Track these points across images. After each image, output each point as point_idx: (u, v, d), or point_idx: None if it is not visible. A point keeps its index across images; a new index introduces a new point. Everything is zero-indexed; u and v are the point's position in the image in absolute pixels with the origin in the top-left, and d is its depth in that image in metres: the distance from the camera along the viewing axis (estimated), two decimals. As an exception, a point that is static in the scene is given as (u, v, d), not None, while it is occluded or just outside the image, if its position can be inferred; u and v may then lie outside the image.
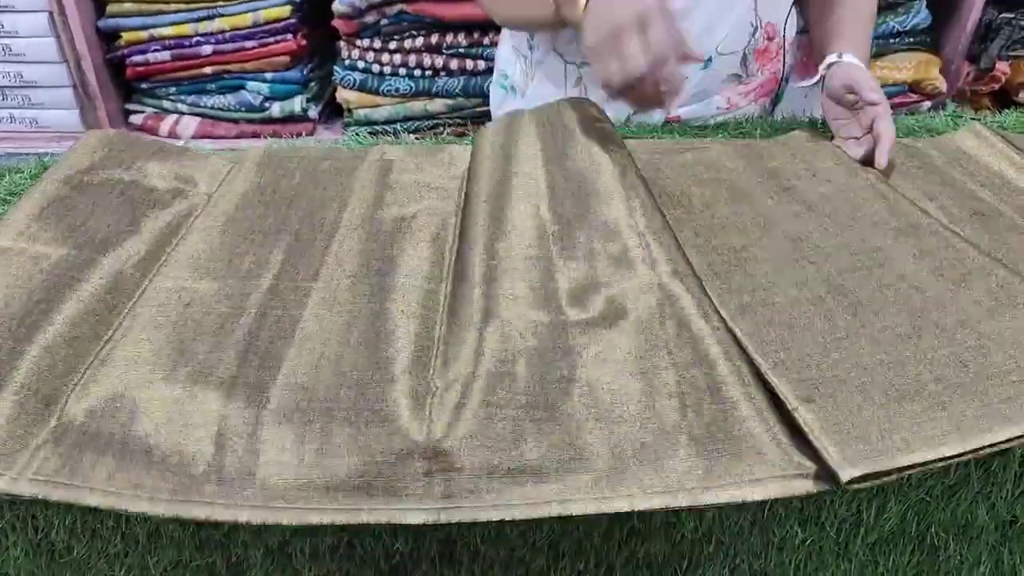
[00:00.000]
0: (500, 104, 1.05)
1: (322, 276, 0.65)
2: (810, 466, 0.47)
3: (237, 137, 1.71)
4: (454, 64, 1.67)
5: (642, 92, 0.66)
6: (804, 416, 0.50)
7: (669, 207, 0.73)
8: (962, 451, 0.47)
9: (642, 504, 0.46)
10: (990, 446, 0.47)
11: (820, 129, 0.89)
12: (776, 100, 0.94)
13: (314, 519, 0.48)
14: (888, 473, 0.47)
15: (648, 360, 0.54)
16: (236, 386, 0.54)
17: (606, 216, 0.69)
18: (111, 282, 0.63)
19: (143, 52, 1.67)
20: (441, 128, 1.72)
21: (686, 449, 0.49)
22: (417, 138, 0.95)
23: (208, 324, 0.60)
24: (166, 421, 0.51)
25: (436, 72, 1.67)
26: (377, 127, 1.68)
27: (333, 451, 0.50)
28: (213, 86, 1.70)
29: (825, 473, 0.47)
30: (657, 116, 0.91)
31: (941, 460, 0.47)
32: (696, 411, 0.50)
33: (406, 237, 0.70)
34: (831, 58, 0.83)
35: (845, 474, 0.46)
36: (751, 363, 0.54)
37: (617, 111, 0.87)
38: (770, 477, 0.47)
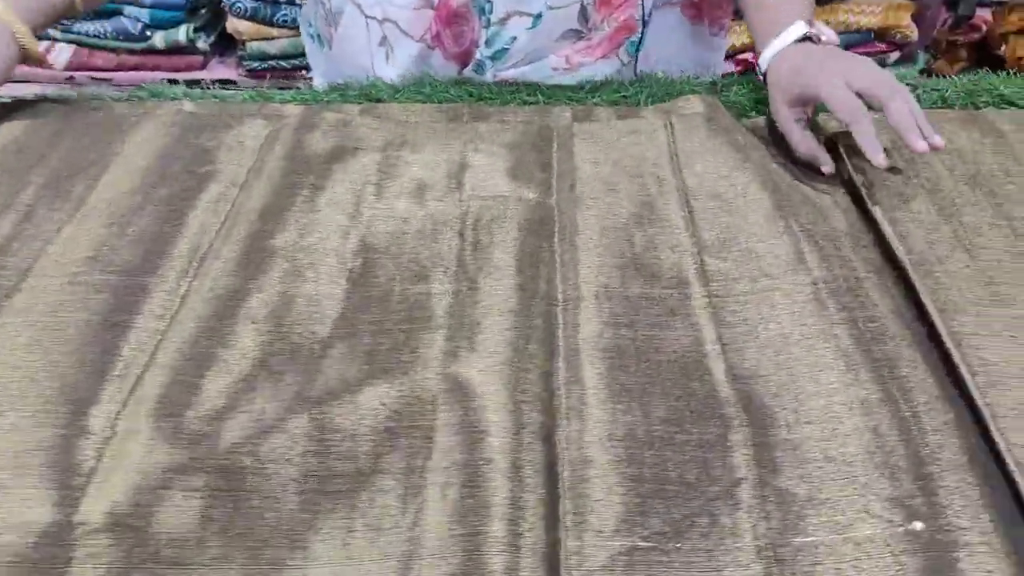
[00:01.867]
0: (313, 56, 0.89)
1: (34, 271, 0.52)
2: None
3: (117, 69, 1.52)
4: (362, -8, 1.47)
5: None
6: None
7: None
8: None
9: None
10: None
11: (717, 94, 0.72)
12: (638, 47, 0.75)
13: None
14: None
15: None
16: None
17: None
18: None
19: (1, -33, 1.45)
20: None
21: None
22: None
23: None
24: None
25: (340, 1, 1.48)
26: (273, 62, 1.49)
27: None
28: (86, 9, 1.49)
29: None
30: (488, 77, 0.74)
31: None
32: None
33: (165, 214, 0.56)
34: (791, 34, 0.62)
35: None
36: None
37: None
38: None
